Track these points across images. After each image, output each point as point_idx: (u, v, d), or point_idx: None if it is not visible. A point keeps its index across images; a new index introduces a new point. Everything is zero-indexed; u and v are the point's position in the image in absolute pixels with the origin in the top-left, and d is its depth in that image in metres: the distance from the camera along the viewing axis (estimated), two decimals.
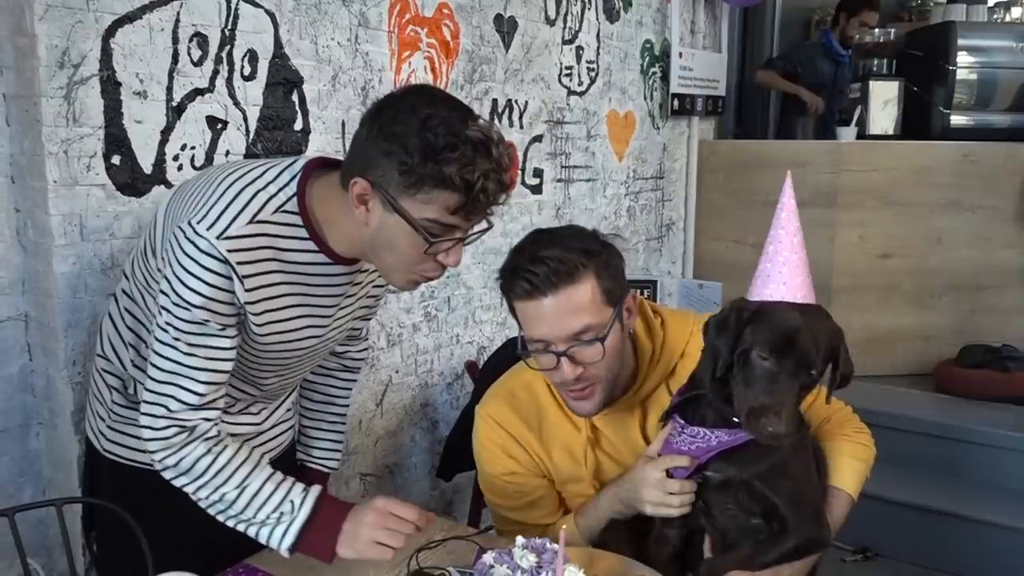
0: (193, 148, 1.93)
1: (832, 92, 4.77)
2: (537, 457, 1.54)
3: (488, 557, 1.28)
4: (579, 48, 3.31)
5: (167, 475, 1.30)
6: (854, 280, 3.97)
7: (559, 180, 3.29)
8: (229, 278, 1.21)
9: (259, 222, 1.22)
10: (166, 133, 1.88)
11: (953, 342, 3.90)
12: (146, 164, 1.84)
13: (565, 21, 3.20)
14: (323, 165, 1.29)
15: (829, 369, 1.29)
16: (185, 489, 1.31)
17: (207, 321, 1.22)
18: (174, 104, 1.89)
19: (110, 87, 1.76)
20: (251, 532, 1.30)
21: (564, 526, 1.27)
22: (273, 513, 1.28)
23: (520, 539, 1.29)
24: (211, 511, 1.31)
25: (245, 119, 2.06)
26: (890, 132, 4.27)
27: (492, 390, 1.60)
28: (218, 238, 1.19)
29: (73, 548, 1.54)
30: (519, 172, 3.05)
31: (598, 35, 3.43)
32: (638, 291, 3.01)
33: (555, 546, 1.26)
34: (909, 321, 4.02)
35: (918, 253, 3.98)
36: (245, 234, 1.21)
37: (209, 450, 1.28)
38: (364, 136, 1.19)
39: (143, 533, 1.43)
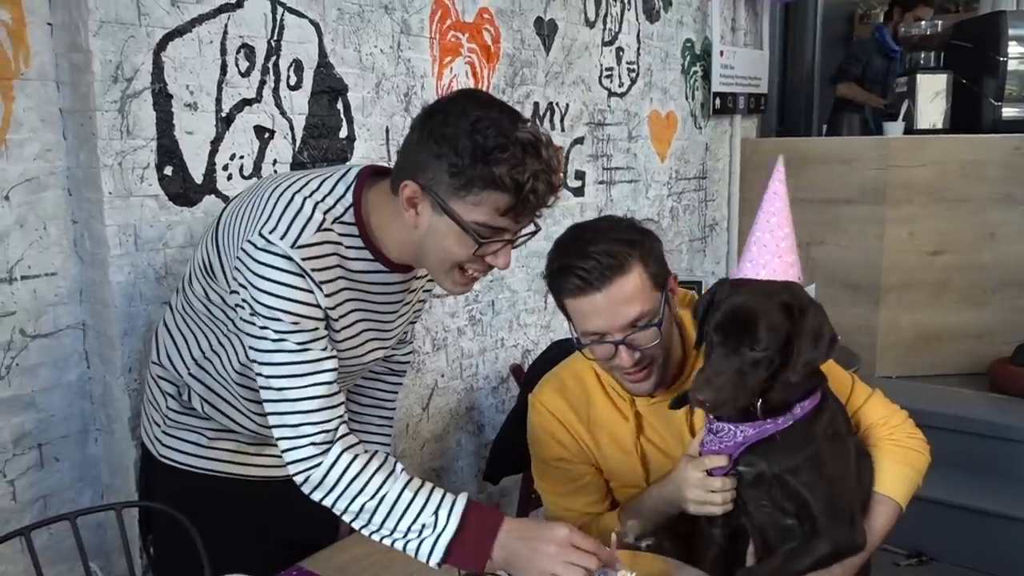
0: (242, 157, 1.97)
1: (885, 88, 4.71)
2: (585, 445, 1.56)
3: None
4: (619, 49, 3.30)
5: (306, 490, 1.25)
6: (904, 278, 3.90)
7: (601, 182, 3.28)
8: (309, 290, 1.21)
9: (324, 230, 1.24)
10: (216, 143, 1.92)
11: (1008, 340, 3.79)
12: (197, 174, 1.88)
13: (605, 23, 3.19)
14: (374, 173, 1.31)
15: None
16: (325, 503, 1.25)
17: (298, 324, 1.20)
18: (223, 115, 1.93)
19: (162, 99, 1.80)
20: (398, 547, 1.23)
21: (616, 529, 1.27)
22: (414, 525, 1.21)
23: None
24: (356, 525, 1.25)
25: (291, 128, 2.09)
26: (939, 126, 4.17)
27: (544, 379, 1.63)
28: (292, 247, 1.19)
29: (131, 551, 1.58)
30: (561, 175, 3.04)
31: (638, 36, 3.41)
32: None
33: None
34: (962, 319, 3.93)
35: (970, 249, 3.88)
36: (315, 242, 1.22)
37: (343, 455, 1.22)
38: (415, 140, 1.20)
39: (198, 535, 1.45)
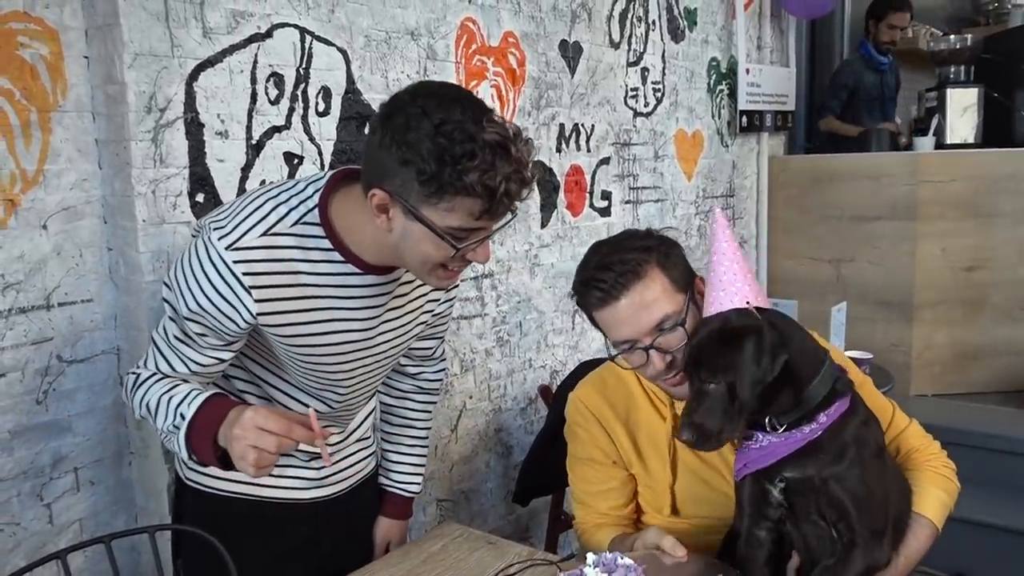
0: (271, 183, 1.99)
1: (882, 102, 4.67)
2: (619, 445, 1.57)
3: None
4: (644, 69, 3.31)
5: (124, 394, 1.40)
6: (938, 295, 3.84)
7: (627, 202, 3.28)
8: (230, 299, 1.23)
9: (274, 234, 1.24)
10: (246, 170, 1.95)
11: None
12: (228, 201, 1.91)
13: (630, 44, 3.21)
14: (347, 176, 1.30)
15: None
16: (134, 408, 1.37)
17: (188, 330, 1.28)
18: (253, 142, 1.96)
19: (194, 128, 1.84)
20: (176, 445, 1.30)
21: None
22: (167, 424, 1.30)
23: (591, 556, 1.32)
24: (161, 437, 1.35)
25: (320, 154, 2.12)
26: (970, 140, 4.13)
27: (586, 377, 1.66)
28: (227, 249, 1.21)
29: (165, 574, 1.59)
30: (587, 196, 3.05)
31: (663, 56, 3.42)
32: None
33: (626, 560, 1.29)
34: (999, 336, 3.86)
35: (1006, 264, 3.82)
36: (256, 246, 1.23)
37: (151, 376, 1.35)
38: (377, 144, 1.15)
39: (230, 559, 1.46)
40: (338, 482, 1.59)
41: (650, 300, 1.37)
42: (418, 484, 1.77)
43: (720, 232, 1.36)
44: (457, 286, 1.41)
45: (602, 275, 1.38)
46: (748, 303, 1.29)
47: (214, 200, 1.89)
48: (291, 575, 1.53)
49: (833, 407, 1.30)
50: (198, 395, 1.29)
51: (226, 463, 1.27)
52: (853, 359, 3.07)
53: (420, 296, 1.46)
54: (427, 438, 1.78)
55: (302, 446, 1.35)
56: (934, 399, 3.84)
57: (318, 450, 1.41)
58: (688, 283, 1.42)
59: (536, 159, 1.19)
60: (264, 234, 1.23)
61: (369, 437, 1.69)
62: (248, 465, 1.20)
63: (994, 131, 4.15)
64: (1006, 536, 3.08)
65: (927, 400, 3.83)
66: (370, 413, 1.69)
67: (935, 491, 1.45)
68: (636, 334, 1.38)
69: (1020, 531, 3.07)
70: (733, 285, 1.32)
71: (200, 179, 1.86)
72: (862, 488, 1.29)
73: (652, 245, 1.41)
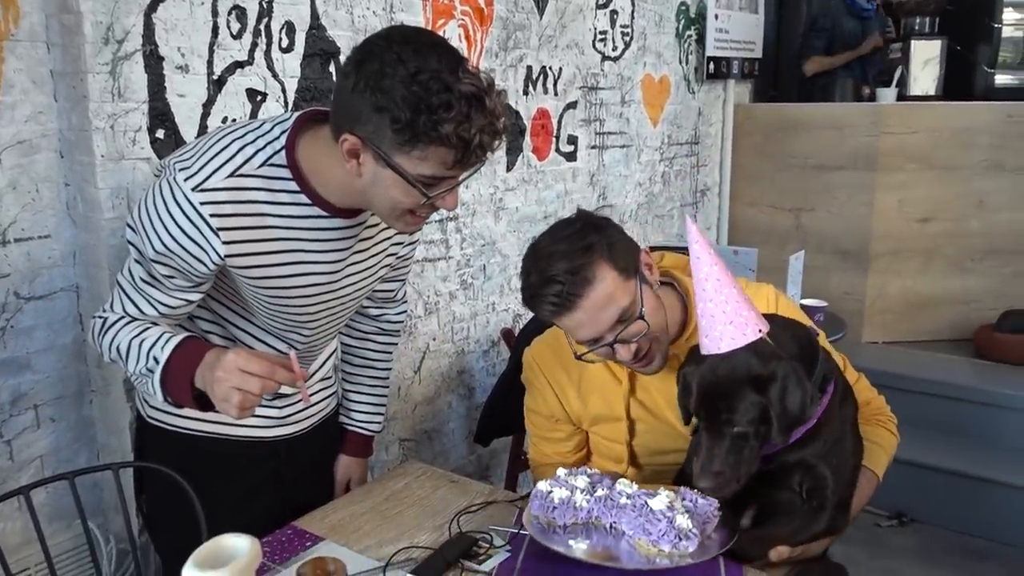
0: (234, 120, 1.96)
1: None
2: (569, 407, 1.61)
3: (543, 484, 1.37)
4: (613, 12, 3.27)
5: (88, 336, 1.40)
6: (893, 244, 3.93)
7: (593, 147, 3.28)
8: (195, 239, 1.22)
9: (240, 176, 1.23)
10: (207, 106, 1.91)
11: (993, 307, 3.85)
12: (189, 137, 1.88)
13: None
14: (314, 117, 1.28)
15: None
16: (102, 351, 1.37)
17: (155, 272, 1.27)
18: (215, 77, 1.92)
19: (153, 62, 1.79)
20: (151, 387, 1.30)
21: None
22: (140, 367, 1.30)
23: (562, 470, 1.40)
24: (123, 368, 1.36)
25: (284, 91, 2.08)
26: (931, 93, 4.18)
27: (540, 336, 1.67)
28: (193, 190, 1.20)
29: (129, 510, 1.61)
30: (553, 140, 3.04)
31: None
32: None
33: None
34: (949, 286, 3.98)
35: (958, 216, 3.92)
36: (222, 187, 1.21)
37: (120, 320, 1.35)
38: (350, 88, 1.13)
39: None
40: (300, 420, 1.60)
41: (604, 300, 1.35)
42: (378, 423, 1.79)
43: (703, 254, 1.25)
44: (420, 229, 1.41)
45: (550, 289, 1.34)
46: (761, 332, 1.23)
47: (175, 136, 1.85)
48: (253, 511, 1.55)
49: (826, 395, 1.31)
50: (171, 338, 1.29)
51: (203, 404, 1.27)
52: (808, 307, 3.15)
53: (385, 239, 1.46)
54: (388, 378, 1.80)
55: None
56: (884, 346, 3.95)
57: (292, 390, 1.43)
58: (635, 265, 1.40)
59: (504, 102, 1.17)
60: (231, 175, 1.22)
61: (331, 377, 1.70)
62: (232, 407, 1.20)
63: (955, 84, 4.20)
64: (946, 477, 3.21)
65: (878, 347, 3.95)
66: (332, 353, 1.70)
67: (883, 446, 1.54)
68: (598, 333, 1.38)
69: (960, 473, 3.20)
70: (739, 315, 1.23)
71: (160, 114, 1.82)
72: (843, 463, 1.35)
73: (593, 241, 1.36)
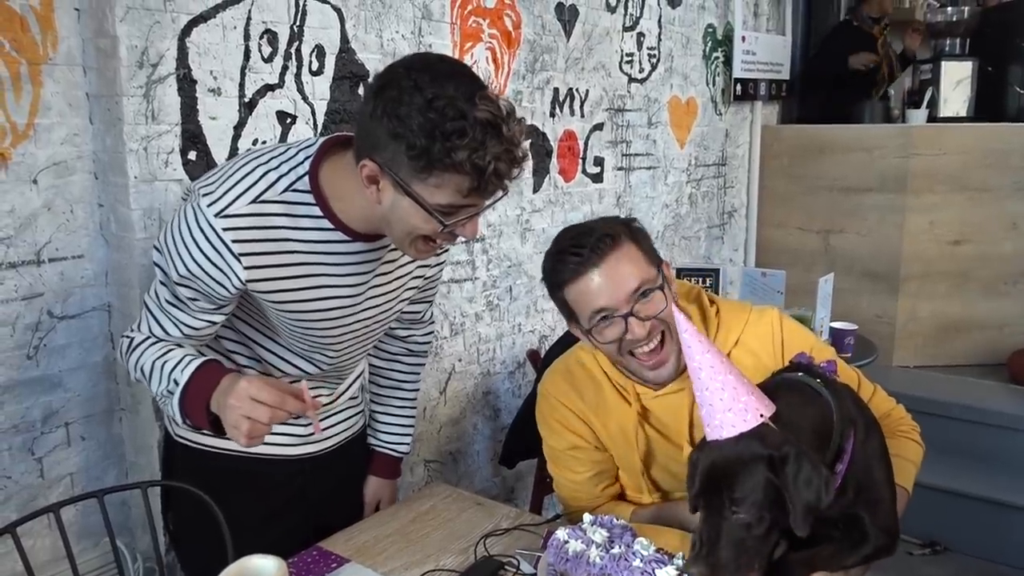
0: (264, 142, 1.99)
1: (872, 74, 4.62)
2: (595, 429, 1.58)
3: (561, 533, 1.33)
4: (640, 35, 3.28)
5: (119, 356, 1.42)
6: (924, 267, 3.88)
7: (620, 168, 3.28)
8: (219, 265, 1.23)
9: (263, 201, 1.23)
10: (238, 128, 1.94)
11: None
12: (220, 159, 1.90)
13: (626, 8, 3.18)
14: (339, 143, 1.29)
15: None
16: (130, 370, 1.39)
17: (179, 294, 1.29)
18: (246, 100, 1.94)
19: (186, 85, 1.82)
20: (172, 408, 1.32)
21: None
22: (162, 388, 1.31)
23: (588, 516, 1.35)
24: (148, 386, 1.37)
25: (313, 113, 2.10)
26: (962, 114, 4.13)
27: (550, 368, 1.65)
28: (216, 216, 1.21)
29: (156, 528, 1.61)
30: (579, 161, 3.05)
31: (659, 21, 3.40)
32: (698, 279, 2.99)
33: (623, 521, 1.32)
34: (981, 309, 3.91)
35: (991, 239, 3.86)
36: (244, 213, 1.22)
37: (145, 340, 1.36)
38: (369, 114, 1.14)
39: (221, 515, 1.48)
40: (326, 439, 1.61)
41: (626, 267, 1.37)
42: (407, 444, 1.78)
43: (694, 342, 1.19)
44: (447, 250, 1.40)
45: (577, 246, 1.38)
46: (763, 416, 1.17)
47: (206, 158, 1.88)
48: (279, 530, 1.55)
49: (849, 440, 1.26)
50: (191, 361, 1.30)
51: (218, 428, 1.28)
52: (838, 330, 3.11)
53: (409, 263, 1.47)
54: (416, 399, 1.80)
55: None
56: (916, 370, 3.89)
57: (306, 420, 1.43)
58: (657, 260, 1.43)
59: (529, 123, 1.16)
60: (253, 201, 1.23)
61: (358, 397, 1.70)
62: (240, 435, 1.21)
63: (986, 105, 4.16)
64: (980, 505, 3.14)
65: (909, 371, 3.88)
66: (360, 374, 1.70)
67: (910, 459, 1.49)
68: (614, 302, 1.37)
69: (994, 500, 3.13)
70: (737, 402, 1.16)
71: (192, 136, 1.85)
72: (879, 497, 1.30)
73: (623, 221, 1.43)
